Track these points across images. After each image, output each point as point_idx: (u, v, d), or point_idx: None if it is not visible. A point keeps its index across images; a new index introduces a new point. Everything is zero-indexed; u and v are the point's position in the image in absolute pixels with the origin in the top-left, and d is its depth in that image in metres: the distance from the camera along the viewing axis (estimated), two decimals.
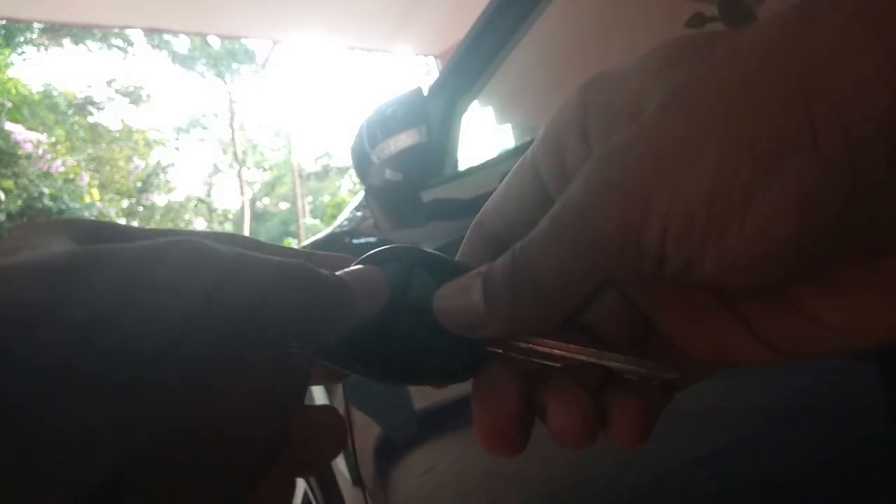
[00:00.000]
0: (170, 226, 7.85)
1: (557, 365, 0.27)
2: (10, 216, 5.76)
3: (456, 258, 0.30)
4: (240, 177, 15.87)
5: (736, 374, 0.58)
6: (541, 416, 0.27)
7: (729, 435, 0.58)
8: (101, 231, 0.24)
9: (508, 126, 1.32)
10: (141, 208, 8.45)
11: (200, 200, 15.24)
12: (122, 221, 7.27)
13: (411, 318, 0.27)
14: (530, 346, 0.27)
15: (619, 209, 0.21)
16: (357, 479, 1.15)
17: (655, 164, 0.20)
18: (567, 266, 0.23)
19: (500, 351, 0.28)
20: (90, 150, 9.12)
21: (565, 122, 0.28)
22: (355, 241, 1.32)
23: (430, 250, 0.29)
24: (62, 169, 6.48)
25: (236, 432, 0.20)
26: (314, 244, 1.56)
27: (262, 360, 0.21)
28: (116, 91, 14.39)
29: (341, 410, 1.17)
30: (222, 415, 0.20)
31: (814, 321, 0.23)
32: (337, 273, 0.26)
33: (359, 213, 1.37)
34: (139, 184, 9.09)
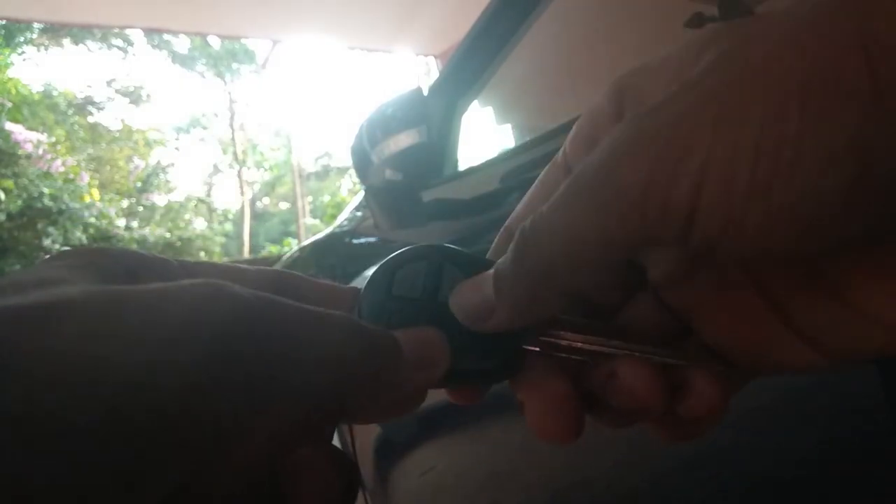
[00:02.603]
0: (169, 225, 7.85)
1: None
2: (9, 216, 5.76)
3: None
4: (240, 177, 15.87)
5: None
6: (601, 389, 0.25)
7: (729, 435, 0.58)
8: (138, 266, 0.22)
9: (508, 126, 1.32)
10: (141, 208, 8.46)
11: (200, 200, 15.24)
12: (122, 221, 7.24)
13: (443, 318, 0.26)
14: (567, 342, 0.26)
15: (647, 161, 0.19)
16: (357, 479, 1.15)
17: (698, 113, 0.18)
18: (576, 233, 0.20)
19: (538, 349, 0.27)
20: (90, 150, 9.12)
21: (600, 112, 0.26)
22: (355, 241, 1.32)
23: (458, 248, 0.28)
24: (62, 169, 6.48)
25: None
26: (314, 244, 1.56)
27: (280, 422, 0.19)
28: (116, 91, 14.38)
29: None
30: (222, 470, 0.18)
31: (861, 312, 0.21)
32: (391, 333, 0.23)
33: (359, 213, 1.37)
34: (139, 184, 9.09)
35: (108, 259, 0.21)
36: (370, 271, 0.28)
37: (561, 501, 0.78)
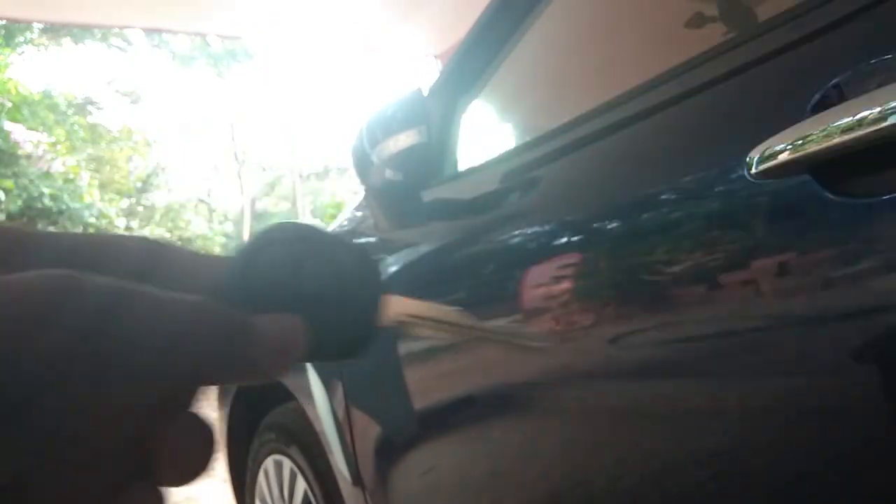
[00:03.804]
0: (169, 225, 7.85)
1: None
2: (9, 216, 5.76)
3: None
4: (240, 177, 15.87)
5: (734, 375, 0.58)
6: None
7: (729, 435, 0.58)
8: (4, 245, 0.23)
9: (508, 126, 1.32)
10: (141, 208, 8.46)
11: (200, 200, 15.23)
12: (122, 221, 7.24)
13: (303, 299, 0.27)
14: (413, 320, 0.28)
15: None
16: (357, 479, 1.15)
17: None
18: None
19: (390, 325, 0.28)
20: (90, 150, 9.12)
21: None
22: (355, 241, 1.32)
23: (321, 228, 0.29)
24: (62, 169, 6.48)
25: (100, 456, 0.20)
26: None
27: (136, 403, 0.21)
28: (116, 91, 14.39)
29: (341, 411, 1.17)
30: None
31: None
32: (246, 318, 0.24)
33: (359, 214, 1.37)
34: (139, 184, 9.10)
35: None
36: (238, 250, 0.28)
37: (561, 501, 0.79)
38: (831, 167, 0.48)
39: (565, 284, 0.76)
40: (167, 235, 7.26)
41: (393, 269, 1.14)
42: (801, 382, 0.52)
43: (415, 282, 1.06)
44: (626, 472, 0.69)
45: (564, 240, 0.79)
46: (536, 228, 0.84)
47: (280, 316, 0.26)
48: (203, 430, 0.24)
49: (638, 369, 0.68)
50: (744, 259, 0.56)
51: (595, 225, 0.75)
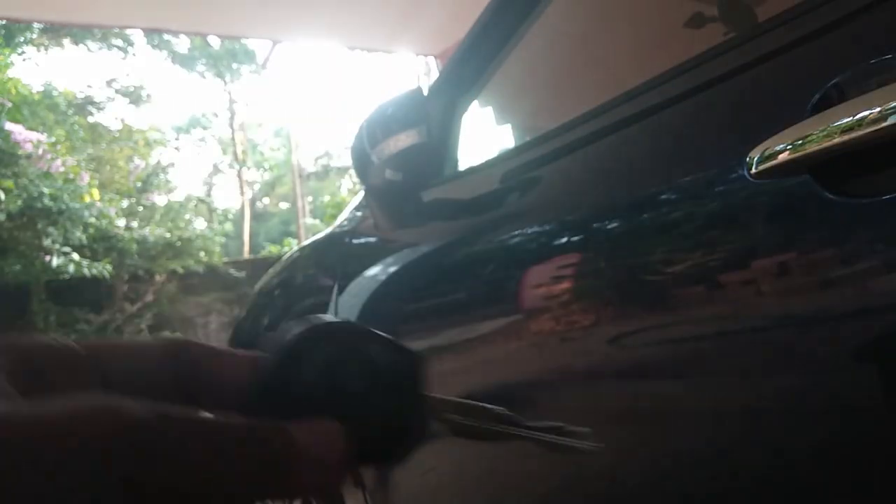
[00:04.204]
0: (169, 225, 7.84)
1: None
2: (9, 216, 5.75)
3: None
4: (240, 177, 15.87)
5: (734, 375, 0.58)
6: None
7: (729, 434, 0.58)
8: (47, 363, 0.23)
9: (508, 126, 1.32)
10: (141, 208, 8.44)
11: (200, 200, 15.23)
12: (122, 221, 7.21)
13: (343, 403, 0.26)
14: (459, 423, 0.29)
15: None
16: (357, 479, 1.15)
17: None
18: None
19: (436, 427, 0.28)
20: (90, 150, 9.11)
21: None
22: (355, 241, 1.32)
23: (366, 328, 0.28)
24: (62, 169, 6.47)
25: None
26: (314, 244, 1.56)
27: None
28: (116, 91, 14.39)
29: None
30: None
31: None
32: (287, 429, 0.23)
33: (359, 214, 1.37)
34: (139, 184, 9.09)
35: (15, 357, 0.22)
36: (276, 343, 0.27)
37: (560, 502, 0.79)
38: (831, 167, 0.48)
39: (565, 284, 0.76)
40: (167, 235, 7.23)
41: (392, 269, 1.14)
42: (802, 382, 0.52)
43: (414, 283, 1.06)
44: (626, 472, 0.69)
45: (564, 240, 0.79)
46: (536, 228, 0.84)
47: (317, 423, 0.25)
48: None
49: (637, 369, 0.68)
50: (743, 259, 0.56)
51: (595, 225, 0.75)
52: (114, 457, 0.19)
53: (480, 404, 0.28)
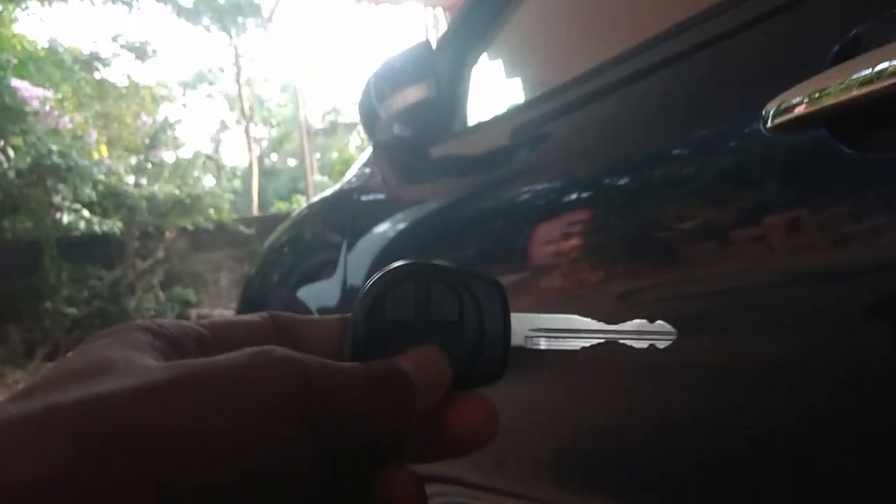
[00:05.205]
0: (178, 182, 7.84)
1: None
2: (19, 173, 5.76)
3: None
4: (247, 133, 15.79)
5: (748, 332, 0.57)
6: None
7: (729, 432, 0.59)
8: (181, 337, 0.25)
9: (518, 80, 1.30)
10: (150, 165, 8.42)
11: (209, 157, 15.20)
12: (131, 178, 7.20)
13: (438, 334, 0.28)
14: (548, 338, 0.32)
15: None
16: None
17: None
18: None
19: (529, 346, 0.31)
20: (97, 107, 9.05)
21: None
22: (364, 197, 1.32)
23: (442, 264, 0.30)
24: (70, 126, 6.45)
25: None
26: (323, 201, 1.56)
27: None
28: (122, 46, 14.24)
29: None
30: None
31: None
32: (400, 366, 0.26)
33: (367, 170, 1.36)
34: (147, 140, 9.04)
35: (154, 334, 0.24)
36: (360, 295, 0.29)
37: (564, 461, 0.80)
38: (849, 121, 0.47)
39: (576, 241, 0.75)
40: (176, 192, 7.23)
41: (401, 226, 1.14)
42: (817, 339, 0.52)
43: (423, 239, 1.06)
44: (630, 431, 0.70)
45: (575, 195, 0.79)
46: (547, 184, 0.83)
47: (416, 351, 0.27)
48: (418, 483, 0.26)
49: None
50: (758, 214, 0.56)
51: (607, 180, 0.74)
52: (295, 400, 0.21)
53: (561, 316, 0.32)
